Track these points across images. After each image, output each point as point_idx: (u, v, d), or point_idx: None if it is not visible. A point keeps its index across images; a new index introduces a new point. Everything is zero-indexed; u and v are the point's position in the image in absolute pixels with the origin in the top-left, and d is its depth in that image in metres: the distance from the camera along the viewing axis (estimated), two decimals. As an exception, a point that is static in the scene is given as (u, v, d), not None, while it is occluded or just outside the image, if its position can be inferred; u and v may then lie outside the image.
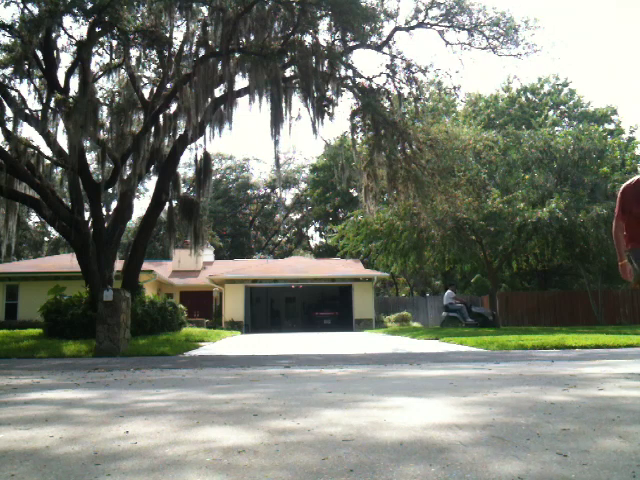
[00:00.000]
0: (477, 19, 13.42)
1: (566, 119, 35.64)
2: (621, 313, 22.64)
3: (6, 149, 12.04)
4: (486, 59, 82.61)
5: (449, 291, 18.17)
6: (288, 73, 13.01)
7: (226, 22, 11.55)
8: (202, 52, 12.39)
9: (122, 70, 13.52)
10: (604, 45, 79.71)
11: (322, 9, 11.97)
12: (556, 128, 28.29)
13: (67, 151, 12.12)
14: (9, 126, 12.13)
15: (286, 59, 12.48)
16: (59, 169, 14.90)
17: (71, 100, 11.33)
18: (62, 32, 12.49)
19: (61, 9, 10.33)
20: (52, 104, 11.90)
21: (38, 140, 53.83)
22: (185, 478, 1.22)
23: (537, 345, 7.78)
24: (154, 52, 12.99)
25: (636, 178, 4.21)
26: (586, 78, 72.77)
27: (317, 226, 49.33)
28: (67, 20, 30.35)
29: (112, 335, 8.02)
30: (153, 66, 13.93)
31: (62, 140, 29.31)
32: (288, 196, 50.95)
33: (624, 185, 4.26)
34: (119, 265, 14.46)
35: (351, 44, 12.98)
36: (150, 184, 38.89)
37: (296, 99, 12.65)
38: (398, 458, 1.33)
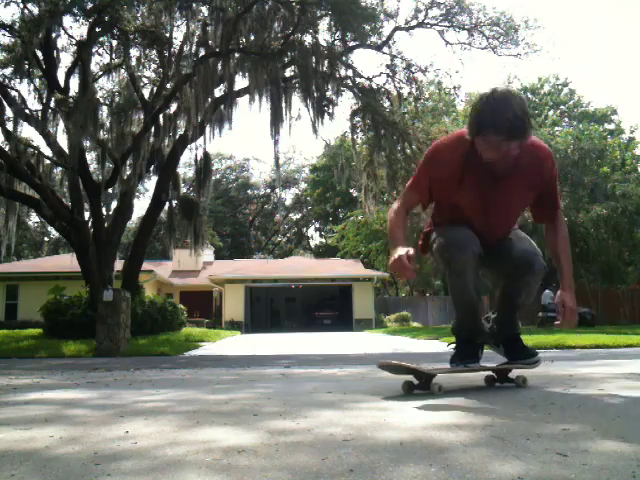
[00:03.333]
0: (477, 19, 13.46)
1: (566, 119, 35.61)
2: (621, 313, 22.61)
3: (6, 149, 12.04)
4: (486, 59, 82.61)
5: (547, 291, 17.82)
6: (288, 73, 13.02)
7: (226, 22, 11.55)
8: (202, 52, 12.40)
9: (122, 70, 13.53)
10: (604, 45, 79.69)
11: (322, 9, 11.98)
12: (556, 128, 28.27)
13: (67, 151, 12.12)
14: (9, 126, 12.15)
15: (286, 59, 12.49)
16: (59, 169, 14.91)
17: (71, 100, 11.34)
18: (62, 32, 12.51)
19: (61, 9, 10.34)
20: (52, 104, 11.91)
21: (38, 140, 53.79)
22: (185, 478, 1.22)
23: (537, 345, 7.77)
24: (154, 52, 13.00)
25: (460, 135, 2.46)
26: (586, 78, 72.79)
27: (317, 226, 49.34)
28: (67, 20, 30.33)
29: (112, 335, 8.02)
30: (153, 66, 13.95)
31: (62, 140, 29.26)
32: (288, 196, 50.97)
33: (439, 145, 2.58)
34: (119, 265, 14.46)
35: (351, 44, 13.00)
36: (150, 184, 38.88)
37: (296, 99, 12.68)
38: (398, 458, 1.33)
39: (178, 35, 26.86)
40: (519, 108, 2.21)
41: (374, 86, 13.14)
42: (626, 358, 5.27)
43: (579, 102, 36.62)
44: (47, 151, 13.83)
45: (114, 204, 13.59)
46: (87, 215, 12.94)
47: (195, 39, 12.48)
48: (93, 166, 18.32)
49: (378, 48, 13.16)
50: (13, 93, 12.36)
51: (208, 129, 12.54)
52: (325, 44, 12.60)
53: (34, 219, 37.60)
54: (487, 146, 2.29)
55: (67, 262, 17.95)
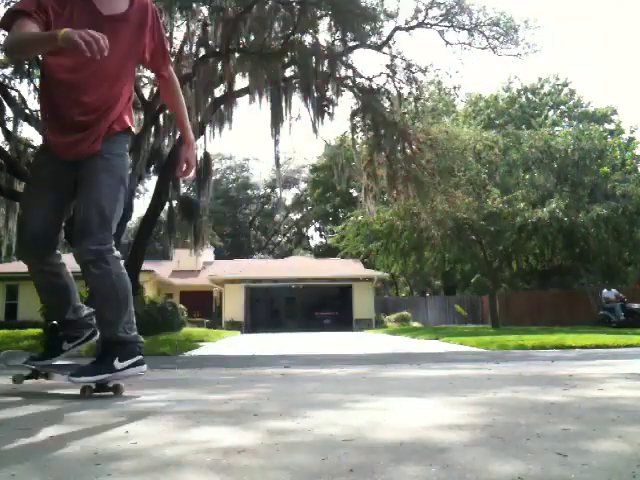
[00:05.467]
0: (477, 19, 13.46)
1: (566, 119, 35.63)
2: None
3: (6, 149, 12.04)
4: (486, 59, 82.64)
5: (605, 289, 18.01)
6: (288, 73, 13.02)
7: (226, 22, 11.55)
8: (202, 52, 12.39)
9: (122, 70, 13.51)
10: (604, 45, 79.67)
11: (322, 9, 11.98)
12: (556, 128, 28.29)
13: (67, 151, 12.10)
14: (9, 126, 12.15)
15: (286, 59, 12.49)
16: (59, 169, 14.89)
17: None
18: (62, 32, 12.48)
19: (61, 9, 10.32)
20: (52, 104, 11.90)
21: (38, 140, 53.76)
22: (185, 478, 1.22)
23: (537, 345, 7.79)
24: (154, 52, 12.99)
25: None
26: (586, 78, 72.78)
27: (317, 226, 49.35)
28: (67, 20, 30.21)
29: (112, 335, 8.01)
30: (153, 66, 13.92)
31: (62, 140, 29.16)
32: (288, 196, 50.98)
33: None
34: (119, 265, 14.44)
35: (351, 44, 12.99)
36: (150, 184, 38.86)
37: (296, 99, 12.67)
38: (398, 458, 1.32)
39: (178, 35, 26.86)
40: None
41: (374, 86, 13.15)
42: (626, 358, 5.27)
43: (579, 102, 36.62)
44: (47, 151, 13.82)
45: (114, 204, 13.56)
46: (87, 215, 12.93)
47: (195, 39, 12.47)
48: (93, 166, 18.32)
49: (378, 48, 13.16)
50: (13, 93, 12.36)
51: (208, 129, 12.54)
52: (325, 44, 12.60)
53: (34, 219, 37.57)
54: None
55: (67, 262, 17.91)
